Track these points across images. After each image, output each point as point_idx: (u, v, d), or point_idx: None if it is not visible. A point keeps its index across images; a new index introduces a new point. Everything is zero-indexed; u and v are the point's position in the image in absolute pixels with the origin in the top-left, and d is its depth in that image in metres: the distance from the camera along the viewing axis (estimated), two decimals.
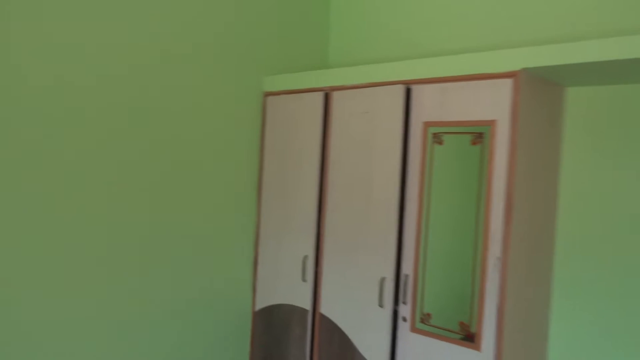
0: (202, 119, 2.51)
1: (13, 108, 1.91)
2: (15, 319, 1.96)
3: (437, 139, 2.11)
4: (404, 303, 2.18)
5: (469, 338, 1.99)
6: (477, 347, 1.95)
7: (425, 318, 2.12)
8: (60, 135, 2.03)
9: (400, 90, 2.17)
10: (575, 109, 2.19)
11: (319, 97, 2.50)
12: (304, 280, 2.51)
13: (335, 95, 2.44)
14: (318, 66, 3.09)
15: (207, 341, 2.59)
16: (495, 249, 1.92)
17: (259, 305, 2.75)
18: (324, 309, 2.44)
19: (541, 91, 2.04)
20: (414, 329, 2.15)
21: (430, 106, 2.13)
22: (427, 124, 2.13)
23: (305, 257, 2.50)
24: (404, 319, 2.17)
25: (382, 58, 2.89)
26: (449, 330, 2.05)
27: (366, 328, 2.26)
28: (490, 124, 1.95)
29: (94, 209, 2.15)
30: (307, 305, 2.50)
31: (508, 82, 1.91)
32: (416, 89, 2.17)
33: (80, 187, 2.11)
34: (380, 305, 2.20)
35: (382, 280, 2.20)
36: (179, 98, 2.41)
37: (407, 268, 2.17)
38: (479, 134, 1.99)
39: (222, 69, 2.58)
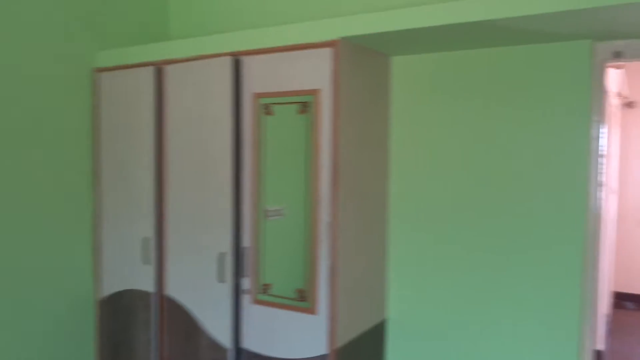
0: (27, 103, 2.29)
1: None
2: None
3: (267, 109, 2.11)
4: (246, 276, 2.18)
5: (306, 303, 2.03)
6: (313, 311, 2.01)
7: (265, 288, 2.13)
8: None
9: (228, 62, 2.14)
10: (402, 77, 2.30)
11: (150, 72, 2.38)
12: (145, 263, 2.42)
13: (169, 69, 2.34)
14: (157, 39, 2.95)
15: (47, 334, 2.42)
16: (324, 213, 1.97)
17: (105, 293, 2.61)
18: (170, 290, 2.37)
19: (364, 60, 2.10)
20: (255, 301, 2.15)
21: (260, 77, 2.11)
22: (258, 95, 2.12)
23: (146, 239, 2.41)
24: (245, 292, 2.17)
25: (218, 30, 2.82)
26: (287, 298, 2.08)
27: (210, 305, 2.24)
28: (314, 93, 1.98)
29: None
30: (150, 288, 2.42)
31: (328, 52, 1.94)
32: (246, 61, 2.15)
33: None
34: (222, 281, 2.18)
35: (222, 256, 2.18)
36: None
37: (247, 241, 2.17)
38: (305, 104, 2.02)
39: (45, 45, 2.37)
